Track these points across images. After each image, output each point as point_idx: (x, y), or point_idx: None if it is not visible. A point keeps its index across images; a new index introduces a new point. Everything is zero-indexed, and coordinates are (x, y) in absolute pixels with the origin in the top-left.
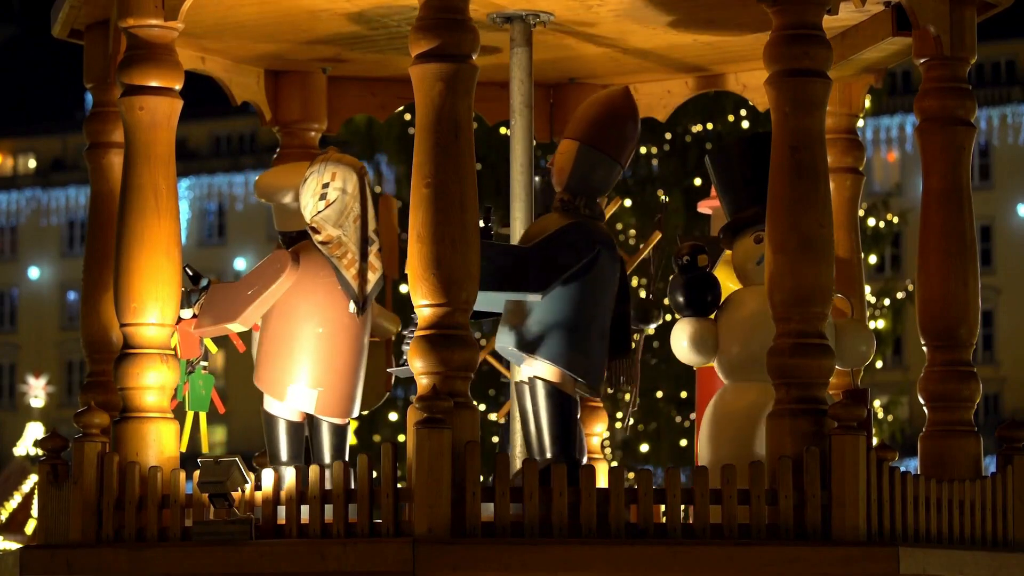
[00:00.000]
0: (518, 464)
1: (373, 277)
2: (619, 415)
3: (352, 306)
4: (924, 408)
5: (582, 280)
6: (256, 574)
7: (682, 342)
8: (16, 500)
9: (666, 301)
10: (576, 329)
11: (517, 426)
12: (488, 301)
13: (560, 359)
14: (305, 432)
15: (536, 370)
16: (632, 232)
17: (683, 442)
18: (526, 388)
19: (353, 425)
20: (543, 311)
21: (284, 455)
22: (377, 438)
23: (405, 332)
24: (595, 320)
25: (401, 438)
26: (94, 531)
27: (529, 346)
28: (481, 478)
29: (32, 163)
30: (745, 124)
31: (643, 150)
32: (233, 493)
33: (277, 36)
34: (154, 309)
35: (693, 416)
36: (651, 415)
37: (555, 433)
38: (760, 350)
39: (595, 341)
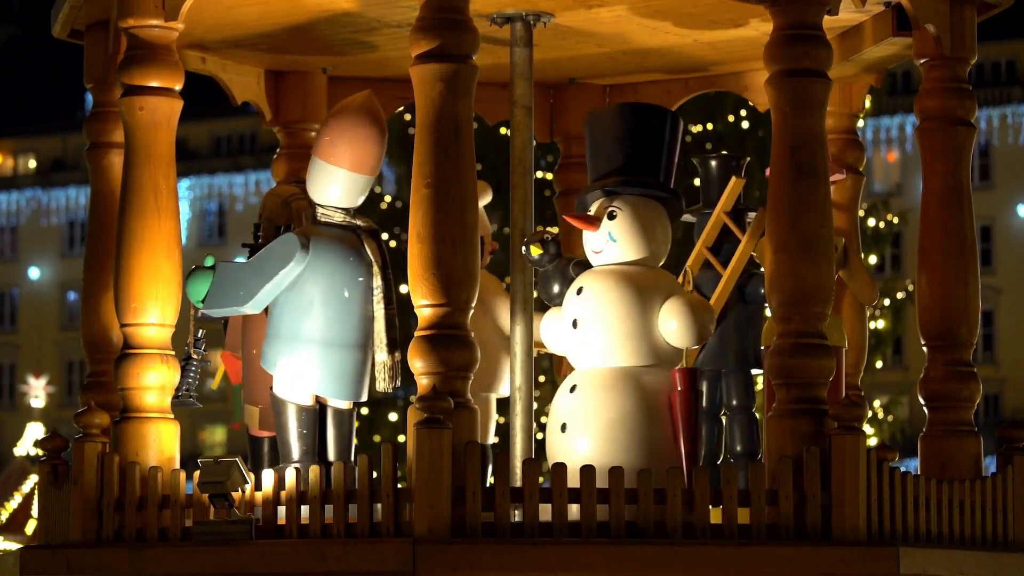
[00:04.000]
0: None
1: None
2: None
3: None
4: (924, 408)
5: (309, 291)
6: (256, 574)
7: None
8: (16, 500)
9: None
10: (309, 340)
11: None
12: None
13: (283, 369)
14: (263, 443)
15: (275, 385)
16: None
17: None
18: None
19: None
20: (279, 323)
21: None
22: (377, 438)
23: (191, 352)
24: (341, 329)
25: (401, 438)
26: (94, 531)
27: (268, 362)
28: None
29: (32, 163)
30: (745, 124)
31: None
32: (233, 493)
33: (277, 36)
34: (154, 309)
35: None
36: None
37: (299, 447)
38: (576, 337)
39: (342, 349)
